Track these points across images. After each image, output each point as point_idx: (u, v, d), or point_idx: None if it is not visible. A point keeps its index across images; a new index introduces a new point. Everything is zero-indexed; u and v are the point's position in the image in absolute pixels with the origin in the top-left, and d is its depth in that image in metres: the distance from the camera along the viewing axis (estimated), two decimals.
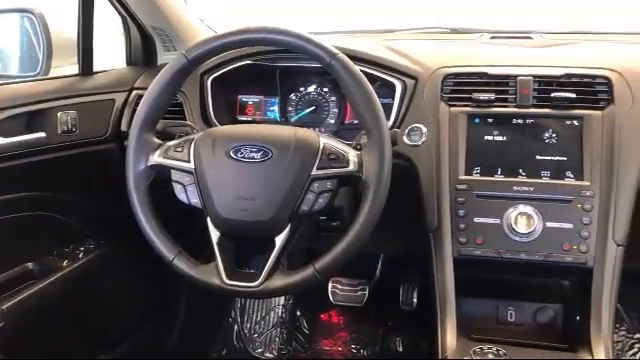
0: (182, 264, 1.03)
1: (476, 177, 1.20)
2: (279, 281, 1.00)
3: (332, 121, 1.43)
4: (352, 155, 1.02)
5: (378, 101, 1.01)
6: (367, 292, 1.97)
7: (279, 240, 1.00)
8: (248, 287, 0.99)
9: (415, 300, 1.92)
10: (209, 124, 1.37)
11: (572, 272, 1.17)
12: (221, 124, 1.35)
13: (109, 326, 1.63)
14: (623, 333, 1.91)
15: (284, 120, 1.46)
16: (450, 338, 1.12)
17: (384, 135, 1.00)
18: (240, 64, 1.39)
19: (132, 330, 1.73)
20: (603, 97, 1.20)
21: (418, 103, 1.27)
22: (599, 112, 1.18)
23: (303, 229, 1.05)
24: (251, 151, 1.01)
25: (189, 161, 1.04)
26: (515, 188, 1.17)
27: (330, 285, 1.99)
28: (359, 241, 0.99)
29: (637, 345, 1.89)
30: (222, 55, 1.24)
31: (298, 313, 2.09)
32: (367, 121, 1.01)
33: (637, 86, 1.20)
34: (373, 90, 1.02)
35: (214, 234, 1.03)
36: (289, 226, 1.00)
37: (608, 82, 1.20)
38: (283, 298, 2.11)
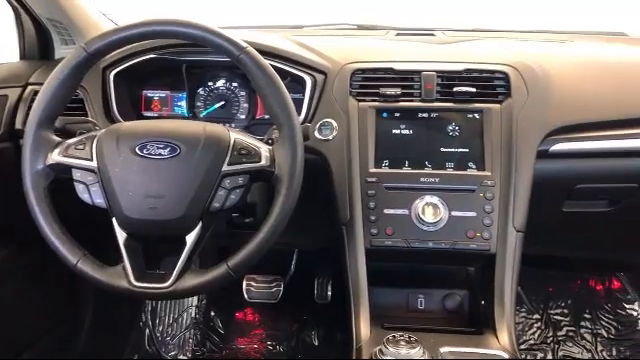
0: (87, 267, 0.98)
1: (385, 170, 1.23)
2: (191, 281, 0.97)
3: (243, 116, 1.42)
4: (264, 150, 1.01)
5: (288, 95, 1.01)
6: (282, 288, 1.97)
7: (190, 239, 0.98)
8: (158, 288, 0.96)
9: (330, 293, 1.95)
10: (112, 121, 1.31)
11: (477, 258, 1.23)
12: (125, 121, 1.30)
13: (13, 334, 1.53)
14: (524, 314, 2.03)
15: (192, 116, 1.42)
16: (364, 328, 1.14)
17: (295, 129, 1.00)
18: (144, 58, 1.34)
19: (38, 337, 1.63)
20: (501, 91, 1.26)
21: (328, 98, 1.28)
22: (498, 105, 1.25)
23: (215, 227, 1.03)
24: (158, 147, 0.98)
25: (91, 159, 0.99)
26: (422, 179, 1.20)
27: (245, 282, 1.97)
28: (273, 237, 0.98)
29: (536, 325, 2.02)
30: (125, 48, 1.19)
31: (212, 313, 2.06)
32: (278, 115, 1.00)
33: (531, 80, 1.27)
34: (283, 84, 1.01)
35: (120, 235, 0.99)
36: (200, 224, 0.98)
37: (505, 77, 1.27)
38: (196, 299, 2.07)
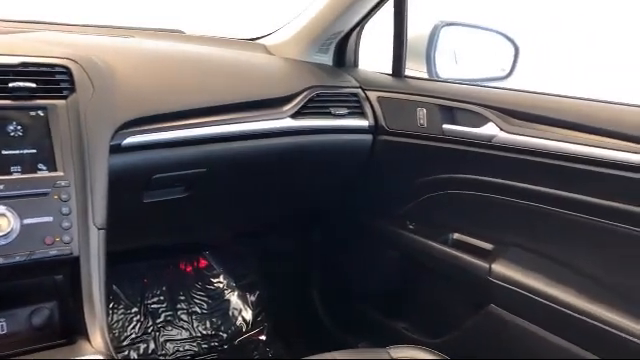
0: None
1: None
2: None
3: None
4: None
5: None
6: None
7: None
8: None
9: None
10: None
11: (61, 265, 1.15)
12: None
13: None
14: (122, 310, 2.04)
15: None
16: None
17: None
18: None
19: None
20: (65, 86, 1.20)
21: None
22: (63, 101, 1.18)
23: None
24: None
25: None
26: None
27: None
28: None
29: (135, 318, 2.05)
30: None
31: None
32: None
33: (96, 75, 1.25)
34: None
35: None
36: None
37: (68, 71, 1.21)
38: None
